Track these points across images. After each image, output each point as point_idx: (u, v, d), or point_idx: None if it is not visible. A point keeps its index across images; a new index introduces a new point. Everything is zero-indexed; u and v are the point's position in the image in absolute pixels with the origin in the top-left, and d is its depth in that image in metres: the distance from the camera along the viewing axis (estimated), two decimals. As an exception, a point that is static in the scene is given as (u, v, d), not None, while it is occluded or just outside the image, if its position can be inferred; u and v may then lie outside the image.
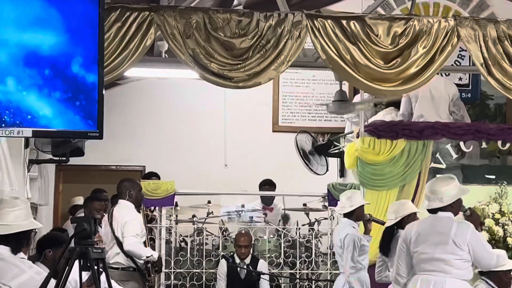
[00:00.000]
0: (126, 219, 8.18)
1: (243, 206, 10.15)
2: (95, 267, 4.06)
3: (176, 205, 9.37)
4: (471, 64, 6.45)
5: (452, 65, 10.31)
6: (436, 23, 6.16)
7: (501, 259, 7.21)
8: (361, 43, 6.08)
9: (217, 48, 5.97)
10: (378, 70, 6.11)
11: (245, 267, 8.71)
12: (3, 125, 3.98)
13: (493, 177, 9.29)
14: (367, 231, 7.85)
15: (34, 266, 4.84)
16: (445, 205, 6.27)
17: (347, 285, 7.73)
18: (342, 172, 10.37)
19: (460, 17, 6.23)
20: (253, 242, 9.13)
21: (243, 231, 9.13)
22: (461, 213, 6.55)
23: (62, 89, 4.07)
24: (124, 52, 5.84)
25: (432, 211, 6.40)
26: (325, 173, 10.21)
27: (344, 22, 6.09)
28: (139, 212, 8.51)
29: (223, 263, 8.86)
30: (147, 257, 8.18)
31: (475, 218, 6.54)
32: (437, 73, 9.68)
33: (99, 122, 4.05)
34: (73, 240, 4.14)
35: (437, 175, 7.03)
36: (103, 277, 4.82)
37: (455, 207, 6.32)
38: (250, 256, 8.86)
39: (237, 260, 8.78)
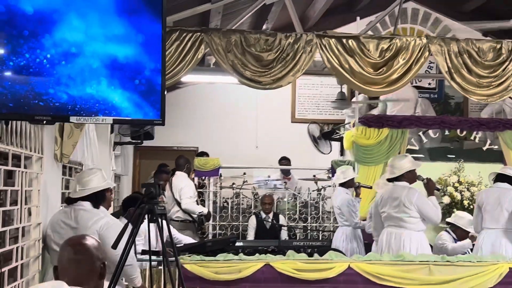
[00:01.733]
0: (182, 185, 8.18)
1: (269, 176, 10.11)
2: (160, 220, 3.99)
3: (221, 175, 9.32)
4: (437, 72, 6.27)
5: (426, 72, 10.18)
6: (413, 41, 6.01)
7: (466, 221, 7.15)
8: (357, 56, 5.95)
9: (250, 60, 5.86)
10: (369, 76, 5.97)
11: (269, 220, 8.65)
12: (93, 114, 3.90)
13: (453, 156, 9.14)
14: (357, 195, 7.77)
15: (109, 214, 4.80)
16: (395, 176, 6.18)
17: (344, 235, 7.66)
18: (342, 152, 10.28)
19: (431, 36, 6.08)
20: (275, 202, 9.08)
21: (267, 194, 9.08)
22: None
23: (138, 89, 3.99)
24: (182, 63, 5.76)
25: (390, 180, 6.31)
26: (329, 153, 10.13)
27: (344, 40, 5.95)
28: (191, 180, 8.53)
29: (253, 218, 8.80)
30: (199, 212, 8.17)
31: (430, 185, 6.39)
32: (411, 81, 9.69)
33: (162, 113, 3.96)
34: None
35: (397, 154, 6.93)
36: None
37: (408, 177, 6.18)
38: (272, 212, 8.80)
39: (263, 215, 8.72)
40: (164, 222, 4.04)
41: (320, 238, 9.06)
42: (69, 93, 3.79)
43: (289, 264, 5.52)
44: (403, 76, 6.02)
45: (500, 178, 6.64)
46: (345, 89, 8.88)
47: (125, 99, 3.93)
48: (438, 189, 7.42)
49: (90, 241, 3.11)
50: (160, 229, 3.98)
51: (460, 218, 7.30)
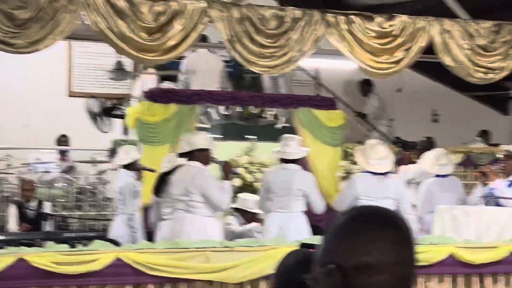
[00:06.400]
0: None
1: (39, 159, 9.80)
2: None
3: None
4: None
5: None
6: (191, 4, 6.09)
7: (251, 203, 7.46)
8: (128, 19, 5.91)
9: (1, 18, 5.59)
10: (143, 42, 5.97)
11: (33, 208, 8.34)
12: None
13: (247, 135, 9.39)
14: (139, 178, 7.78)
15: None
16: (184, 151, 6.32)
17: (122, 223, 7.64)
18: (125, 130, 10.18)
19: (210, 0, 6.19)
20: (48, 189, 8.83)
21: (27, 179, 8.79)
22: None
23: None
24: None
25: (181, 156, 6.46)
26: (110, 132, 10.02)
27: (113, 0, 5.87)
28: None
29: (13, 206, 8.46)
30: None
31: (226, 168, 6.61)
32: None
33: None
34: None
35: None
36: None
37: (200, 156, 6.34)
38: (38, 200, 8.53)
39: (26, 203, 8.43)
40: None
41: (99, 229, 8.95)
42: None
43: (47, 257, 5.36)
44: (181, 43, 6.09)
45: (286, 159, 6.99)
46: (126, 58, 8.79)
47: None
48: (237, 174, 7.62)
49: None
50: None
51: (244, 201, 7.60)
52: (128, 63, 9.48)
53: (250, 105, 9.24)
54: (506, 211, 6.58)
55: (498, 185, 6.93)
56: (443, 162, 7.49)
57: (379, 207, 1.75)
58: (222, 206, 6.38)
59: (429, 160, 7.54)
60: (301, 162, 7.31)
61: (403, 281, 1.68)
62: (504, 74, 6.83)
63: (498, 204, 6.82)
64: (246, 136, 9.33)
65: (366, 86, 11.59)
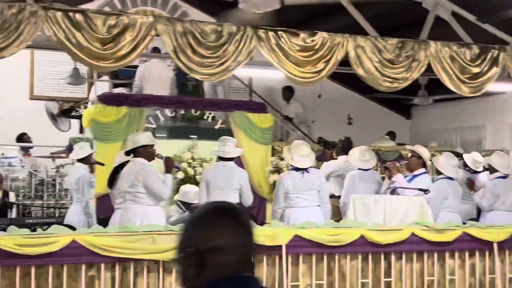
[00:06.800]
0: None
1: (2, 154, 9.57)
2: None
3: None
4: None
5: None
6: (140, 18, 6.04)
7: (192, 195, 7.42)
8: (84, 30, 5.81)
9: (-32, 28, 5.44)
10: (97, 51, 5.88)
11: (-1, 198, 8.15)
12: None
13: (189, 134, 9.36)
14: (92, 171, 7.68)
15: None
16: (129, 148, 6.27)
17: (78, 211, 7.54)
18: (81, 130, 10.05)
19: (157, 15, 6.17)
20: (9, 181, 8.60)
21: (-3, 172, 8.62)
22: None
23: None
24: None
25: (127, 154, 6.41)
26: (68, 130, 9.88)
27: (71, 14, 5.78)
28: None
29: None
30: None
31: (167, 163, 6.55)
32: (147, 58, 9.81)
33: None
34: None
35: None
36: None
37: (144, 153, 6.28)
38: (3, 191, 8.31)
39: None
40: None
41: (57, 215, 8.78)
42: None
43: (11, 240, 5.23)
44: (131, 53, 6.03)
45: (224, 157, 7.03)
46: (82, 65, 8.66)
47: None
48: (179, 168, 7.60)
49: None
50: None
51: (185, 193, 7.58)
52: (84, 70, 9.36)
53: (192, 108, 9.24)
54: (408, 200, 6.75)
55: (399, 179, 7.12)
56: (366, 158, 7.69)
57: (227, 203, 1.96)
58: (163, 196, 6.34)
59: (354, 156, 7.73)
60: (235, 159, 7.35)
61: (247, 260, 1.89)
62: (407, 83, 7.00)
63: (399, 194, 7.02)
64: (188, 135, 9.33)
65: (288, 92, 11.72)
